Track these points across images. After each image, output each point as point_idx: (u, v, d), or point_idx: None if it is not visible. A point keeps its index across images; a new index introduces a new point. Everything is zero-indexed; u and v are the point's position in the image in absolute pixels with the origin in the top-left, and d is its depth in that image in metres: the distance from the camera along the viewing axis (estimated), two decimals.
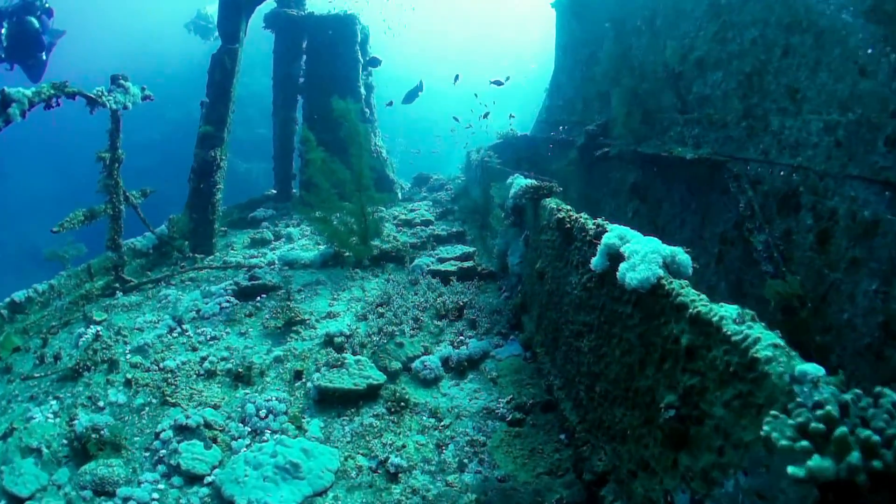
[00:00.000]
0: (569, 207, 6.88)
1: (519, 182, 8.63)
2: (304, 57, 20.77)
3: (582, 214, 6.18)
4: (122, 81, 11.12)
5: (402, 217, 15.45)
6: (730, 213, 9.47)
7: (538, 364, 7.04)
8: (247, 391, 7.17)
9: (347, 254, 11.74)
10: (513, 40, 57.96)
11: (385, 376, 7.02)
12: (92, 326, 9.18)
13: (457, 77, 23.52)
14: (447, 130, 35.37)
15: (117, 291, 11.11)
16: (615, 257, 4.50)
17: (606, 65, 13.99)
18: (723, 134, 10.13)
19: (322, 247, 12.73)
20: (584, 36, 16.36)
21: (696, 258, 4.39)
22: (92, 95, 10.15)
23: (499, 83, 18.03)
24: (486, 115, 23.42)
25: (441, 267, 10.22)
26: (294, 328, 8.92)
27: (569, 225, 5.95)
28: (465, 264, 10.25)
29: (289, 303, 9.75)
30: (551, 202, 7.22)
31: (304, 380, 7.31)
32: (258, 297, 10.44)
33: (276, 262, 12.68)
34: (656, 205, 11.80)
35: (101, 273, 11.53)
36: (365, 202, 11.46)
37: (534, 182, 7.52)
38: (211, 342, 8.69)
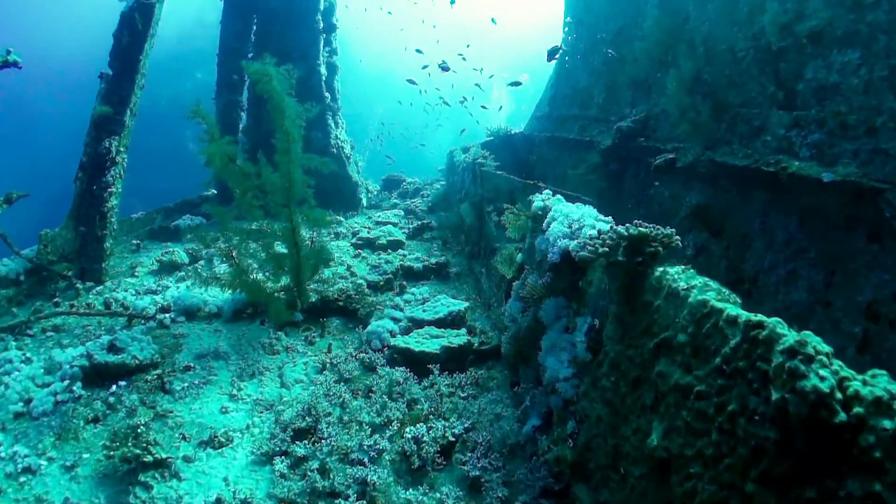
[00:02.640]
0: (736, 300, 2.64)
1: (564, 211, 4.36)
2: (255, 28, 16.18)
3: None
4: None
5: (364, 234, 10.98)
6: (885, 275, 5.57)
7: None
8: None
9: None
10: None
11: None
12: None
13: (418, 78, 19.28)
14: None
15: None
16: None
17: (651, 42, 9.74)
18: (870, 145, 6.09)
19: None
20: (607, 7, 12.07)
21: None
22: None
23: (517, 84, 13.71)
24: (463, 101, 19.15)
25: (413, 344, 5.79)
26: (146, 474, 4.52)
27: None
28: (454, 340, 5.84)
29: (153, 406, 5.43)
30: (681, 279, 2.94)
31: None
32: (116, 384, 6.13)
33: (172, 307, 8.22)
34: (739, 241, 7.60)
35: None
36: (297, 223, 7.00)
37: (624, 229, 3.21)
38: (21, 481, 4.34)
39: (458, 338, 5.82)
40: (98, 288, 9.88)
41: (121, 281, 10.39)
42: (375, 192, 17.10)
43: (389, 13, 32.68)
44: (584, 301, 3.98)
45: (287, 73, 7.47)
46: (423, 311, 6.65)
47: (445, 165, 15.83)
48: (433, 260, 9.04)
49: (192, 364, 6.88)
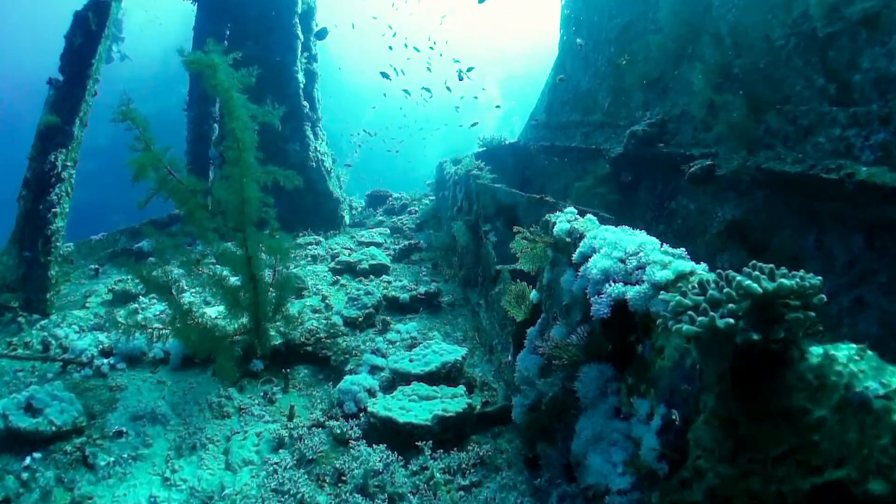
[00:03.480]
0: None
1: (609, 238, 3.03)
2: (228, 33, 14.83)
3: None
4: None
5: (344, 257, 9.56)
6: None
7: None
8: None
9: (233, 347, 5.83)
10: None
11: None
12: None
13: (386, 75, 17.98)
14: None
15: None
16: None
17: (667, 36, 8.48)
18: None
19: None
20: (611, 2, 10.83)
21: None
22: None
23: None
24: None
25: (398, 412, 4.34)
26: None
27: None
28: (450, 406, 4.39)
29: (71, 488, 4.22)
30: (865, 375, 1.56)
31: None
32: (29, 457, 4.76)
33: (115, 349, 6.82)
34: (787, 263, 6.26)
35: None
36: (255, 251, 5.59)
37: (746, 279, 1.84)
38: None
39: (454, 401, 4.41)
40: (43, 322, 8.46)
41: (67, 314, 8.93)
42: (360, 209, 15.71)
43: (374, 18, 31.43)
44: (649, 377, 2.60)
45: (247, 73, 6.14)
46: (411, 359, 5.24)
47: (434, 179, 14.49)
48: (422, 289, 7.62)
49: (124, 429, 5.48)
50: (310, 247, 11.50)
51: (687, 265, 2.55)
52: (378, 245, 11.34)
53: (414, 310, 7.38)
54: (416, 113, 34.05)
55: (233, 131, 5.11)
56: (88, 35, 10.21)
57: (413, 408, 4.31)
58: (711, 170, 6.34)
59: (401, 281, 8.45)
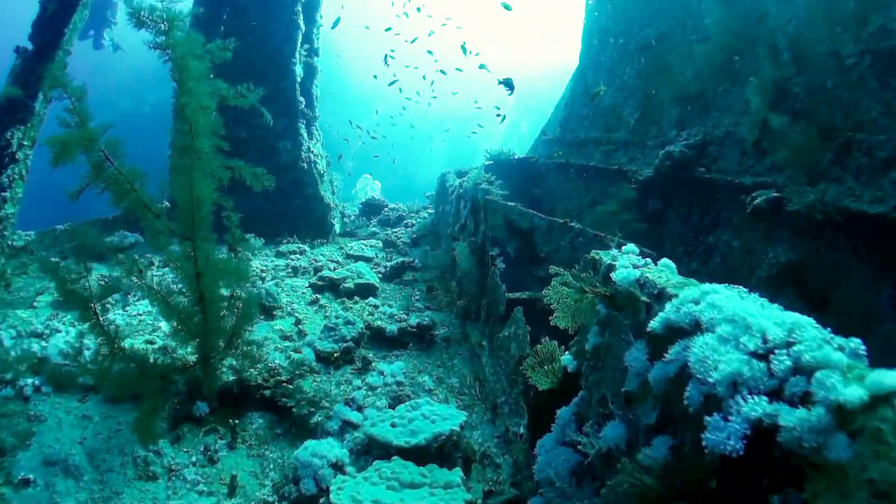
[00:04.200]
0: None
1: (728, 310, 1.80)
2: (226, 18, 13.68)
3: None
4: None
5: (328, 272, 8.36)
6: None
7: None
8: None
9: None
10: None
11: None
12: None
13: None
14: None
15: None
16: None
17: (713, 47, 7.39)
18: None
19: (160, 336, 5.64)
20: (644, 10, 9.76)
21: None
22: None
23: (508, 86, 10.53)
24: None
25: None
26: None
27: None
28: (445, 501, 3.17)
29: None
30: None
31: None
32: None
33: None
34: (855, 321, 5.15)
35: None
36: (205, 267, 4.39)
37: None
38: None
39: (448, 494, 3.21)
40: None
41: (7, 314, 7.72)
42: (352, 218, 14.52)
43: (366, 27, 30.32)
44: None
45: (222, 45, 5.00)
46: (393, 423, 4.03)
47: (435, 191, 13.33)
48: (413, 319, 6.42)
49: (32, 477, 4.30)
50: (293, 256, 10.30)
51: (891, 377, 1.39)
52: (368, 260, 10.15)
53: (402, 344, 6.19)
54: (423, 119, 33.08)
55: (183, 109, 3.93)
56: (64, 1, 9.12)
57: (391, 502, 3.11)
58: (779, 203, 5.20)
59: (389, 306, 7.26)
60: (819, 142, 5.77)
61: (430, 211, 13.81)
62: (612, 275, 2.49)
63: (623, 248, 2.80)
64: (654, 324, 2.18)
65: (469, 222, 7.22)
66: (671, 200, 7.70)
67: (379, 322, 6.31)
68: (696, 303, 2.06)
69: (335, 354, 5.52)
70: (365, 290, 7.77)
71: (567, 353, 3.13)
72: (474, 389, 4.99)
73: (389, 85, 16.11)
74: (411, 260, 9.44)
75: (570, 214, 10.71)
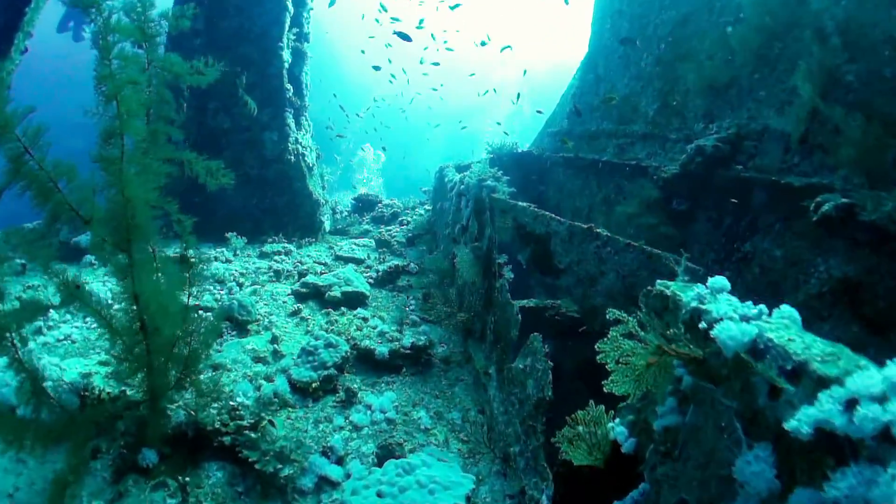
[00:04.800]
0: None
1: None
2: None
3: None
4: None
5: (313, 278, 7.48)
6: None
7: None
8: None
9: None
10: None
11: None
12: None
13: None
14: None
15: None
16: None
17: (750, 28, 6.51)
18: None
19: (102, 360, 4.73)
20: None
21: None
22: None
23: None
24: None
25: None
26: None
27: None
28: None
29: None
30: None
31: None
32: None
33: None
34: None
35: None
36: (144, 286, 3.50)
37: None
38: None
39: None
40: None
41: None
42: (344, 214, 13.62)
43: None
44: None
45: (179, 10, 4.09)
46: (380, 490, 3.15)
47: (433, 187, 12.42)
48: (407, 340, 5.51)
49: None
50: (277, 257, 9.41)
51: None
52: (359, 262, 9.27)
53: (394, 368, 5.31)
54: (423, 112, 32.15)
55: (104, 81, 3.02)
56: None
57: None
58: (851, 211, 4.34)
59: (381, 319, 6.38)
60: (884, 138, 4.92)
61: (426, 208, 12.93)
62: (713, 332, 1.62)
63: (709, 280, 1.93)
64: (797, 424, 1.32)
65: (472, 224, 6.34)
66: (699, 201, 6.84)
67: (367, 342, 5.42)
68: (882, 400, 1.20)
69: (313, 385, 4.65)
70: (353, 300, 6.90)
71: (618, 420, 2.27)
72: (480, 432, 4.13)
73: (374, 69, 15.16)
74: (406, 264, 8.56)
75: (579, 214, 9.84)
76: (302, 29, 12.85)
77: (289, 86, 11.83)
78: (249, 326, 6.12)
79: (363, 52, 18.88)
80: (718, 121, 7.00)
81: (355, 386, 4.81)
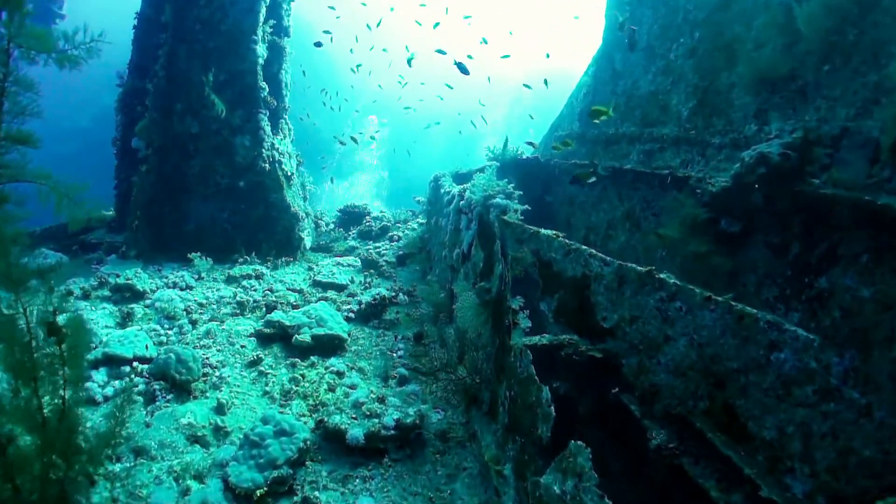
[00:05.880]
0: None
1: None
2: None
3: None
4: None
5: (281, 314, 6.18)
6: None
7: None
8: None
9: None
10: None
11: None
12: None
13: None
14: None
15: None
16: None
17: (818, 5, 5.26)
18: None
19: None
20: None
21: None
22: None
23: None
24: None
25: None
26: None
27: None
28: None
29: None
30: None
31: None
32: None
33: None
34: None
35: None
36: None
37: None
38: None
39: None
40: None
41: None
42: (329, 228, 12.29)
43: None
44: None
45: None
46: None
47: (427, 197, 11.12)
48: (389, 417, 4.15)
49: None
50: (246, 282, 8.11)
51: None
52: (340, 288, 7.98)
53: (375, 453, 4.00)
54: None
55: None
56: None
57: None
58: None
59: (359, 373, 5.08)
60: None
61: (420, 221, 11.63)
62: None
63: None
64: None
65: (475, 253, 5.04)
66: (755, 221, 5.58)
67: (337, 418, 4.08)
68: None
69: (259, 492, 3.35)
70: (327, 345, 5.59)
71: None
72: None
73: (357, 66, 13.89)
74: (394, 295, 7.25)
75: (595, 231, 8.57)
76: (281, 22, 11.56)
77: (264, 84, 10.52)
78: (193, 386, 4.81)
79: (351, 50, 17.62)
80: (776, 122, 5.74)
81: (317, 494, 3.50)
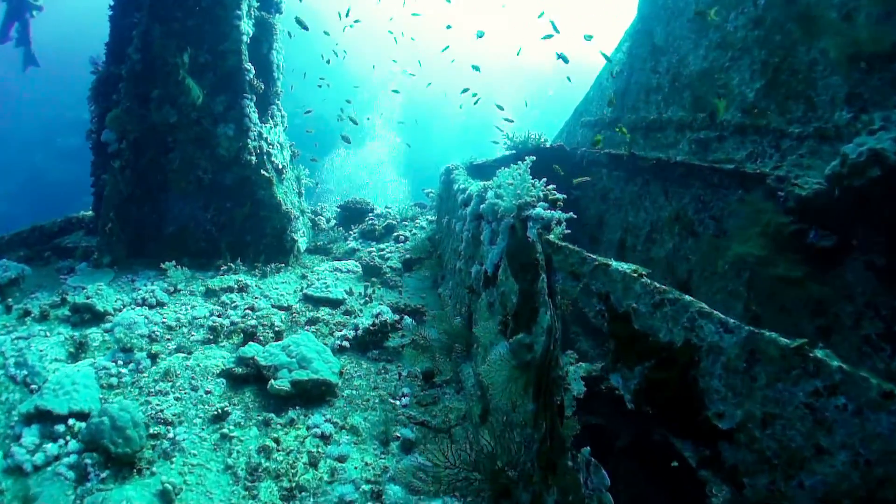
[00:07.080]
0: None
1: None
2: None
3: None
4: None
5: (252, 348, 5.09)
6: None
7: None
8: None
9: None
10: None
11: None
12: None
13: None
14: None
15: None
16: None
17: None
18: None
19: None
20: None
21: None
22: None
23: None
24: None
25: None
26: None
27: None
28: None
29: None
30: None
31: None
32: None
33: None
34: None
35: None
36: None
37: None
38: None
39: None
40: None
41: None
42: (329, 226, 11.15)
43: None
44: None
45: None
46: None
47: (437, 193, 9.94)
48: None
49: None
50: (226, 296, 7.02)
51: None
52: (335, 305, 6.88)
53: None
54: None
55: None
56: None
57: None
58: None
59: (352, 435, 3.97)
60: None
61: (430, 219, 10.47)
62: None
63: None
64: None
65: (504, 280, 3.90)
66: (853, 237, 4.41)
67: None
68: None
69: None
70: (311, 393, 4.47)
71: None
72: None
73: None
74: (397, 319, 6.12)
75: (633, 234, 7.41)
76: None
77: (249, 66, 9.34)
78: (137, 456, 3.71)
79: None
80: (875, 110, 4.55)
81: None
